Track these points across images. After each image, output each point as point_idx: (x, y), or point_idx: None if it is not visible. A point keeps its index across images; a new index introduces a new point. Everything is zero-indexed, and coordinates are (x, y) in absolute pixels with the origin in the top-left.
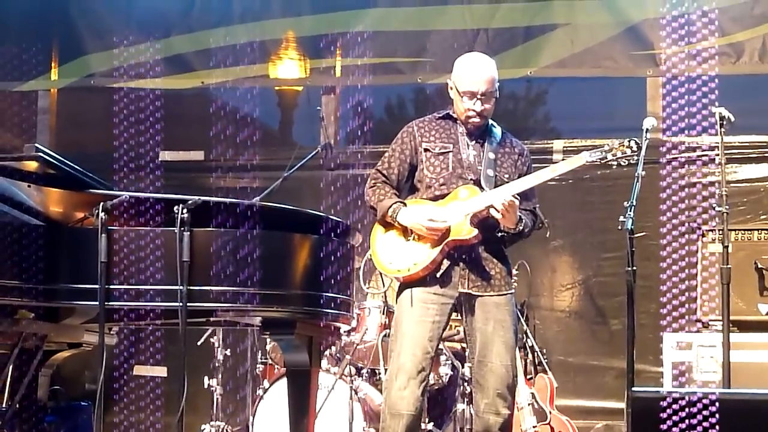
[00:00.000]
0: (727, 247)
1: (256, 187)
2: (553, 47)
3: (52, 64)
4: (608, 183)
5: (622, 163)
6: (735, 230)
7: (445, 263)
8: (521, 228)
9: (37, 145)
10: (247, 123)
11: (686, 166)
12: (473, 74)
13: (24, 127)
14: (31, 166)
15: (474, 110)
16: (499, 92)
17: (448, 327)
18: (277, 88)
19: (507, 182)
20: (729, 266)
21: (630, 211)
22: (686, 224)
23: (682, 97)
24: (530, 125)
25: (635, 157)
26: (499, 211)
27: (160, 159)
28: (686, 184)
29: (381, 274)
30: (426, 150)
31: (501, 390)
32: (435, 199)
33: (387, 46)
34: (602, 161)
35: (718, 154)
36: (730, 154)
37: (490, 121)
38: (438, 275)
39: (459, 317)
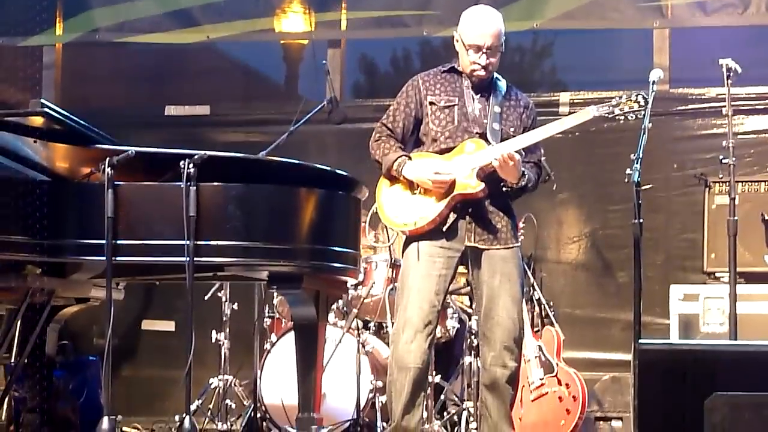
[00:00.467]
0: (734, 198)
1: (262, 141)
2: None
3: (57, 19)
4: (615, 135)
5: (630, 118)
6: (742, 182)
7: (452, 217)
8: (524, 182)
9: (42, 100)
10: (252, 77)
11: (693, 118)
12: (479, 27)
13: (29, 82)
14: (37, 121)
15: (479, 64)
16: (505, 45)
17: (455, 280)
18: (282, 42)
19: (513, 136)
20: (736, 218)
21: (636, 163)
22: (693, 176)
23: (689, 49)
24: (536, 78)
25: (642, 112)
26: (498, 163)
27: (165, 114)
28: (693, 136)
29: (387, 227)
30: (431, 103)
31: (508, 343)
32: (441, 152)
33: None
34: (610, 115)
35: (724, 106)
36: (737, 105)
37: (496, 75)
38: (444, 229)
39: (465, 270)
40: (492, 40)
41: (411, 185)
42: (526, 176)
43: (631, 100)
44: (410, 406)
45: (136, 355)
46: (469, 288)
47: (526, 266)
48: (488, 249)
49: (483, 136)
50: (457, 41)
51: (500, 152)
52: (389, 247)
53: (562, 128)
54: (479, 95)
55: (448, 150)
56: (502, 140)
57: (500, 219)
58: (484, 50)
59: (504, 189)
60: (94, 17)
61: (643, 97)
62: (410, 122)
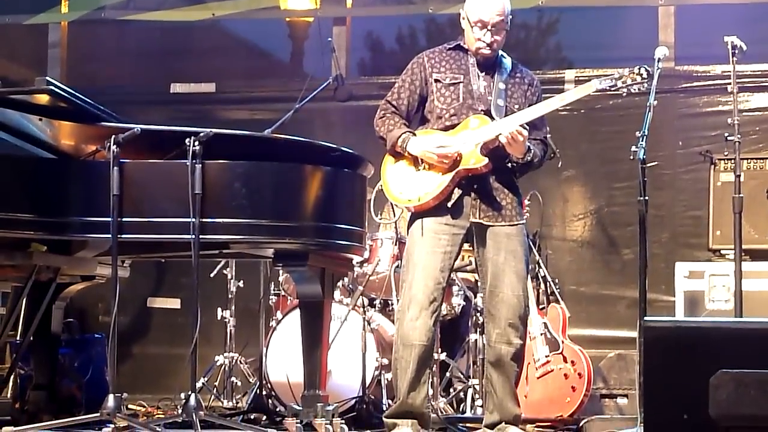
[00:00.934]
0: (739, 176)
1: (268, 119)
2: None
3: None
4: (620, 112)
5: (633, 90)
6: (747, 159)
7: (456, 193)
8: (530, 158)
9: (48, 78)
10: (257, 54)
11: (698, 95)
12: (485, 5)
13: (35, 60)
14: (43, 99)
15: (484, 41)
16: (511, 22)
17: (460, 257)
18: (287, 19)
19: (517, 112)
20: (741, 195)
21: (642, 140)
22: (698, 153)
23: (694, 26)
24: (542, 55)
25: (645, 85)
26: (506, 140)
27: (171, 91)
28: (698, 113)
29: (392, 204)
30: (436, 81)
31: (513, 320)
32: (445, 129)
33: None
34: (612, 89)
35: (730, 83)
36: (742, 82)
37: (501, 52)
38: (449, 205)
39: (470, 248)
40: (497, 18)
41: (416, 161)
42: (532, 152)
43: (633, 73)
44: (416, 383)
45: (141, 332)
46: (474, 266)
47: (531, 243)
48: (493, 225)
49: (488, 112)
50: (463, 18)
51: (505, 127)
52: (394, 223)
53: (565, 102)
54: (484, 73)
55: (453, 127)
56: (506, 116)
57: (505, 196)
58: (489, 28)
59: (509, 165)
60: None
61: (646, 70)
62: (415, 99)
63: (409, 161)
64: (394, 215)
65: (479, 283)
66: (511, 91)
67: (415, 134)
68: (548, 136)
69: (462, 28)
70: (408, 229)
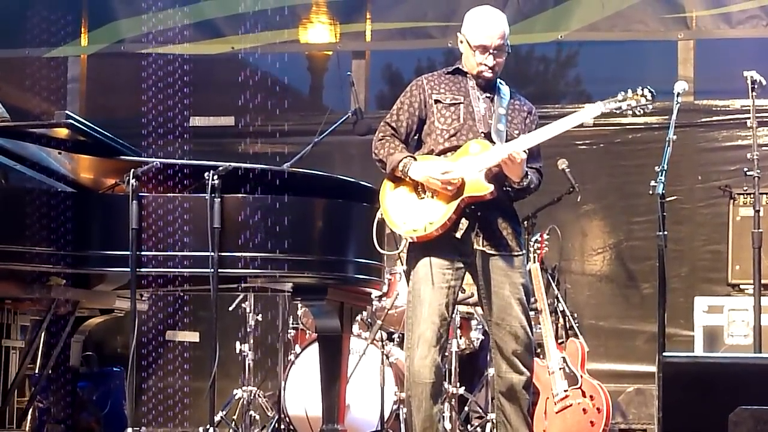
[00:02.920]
0: (759, 210)
1: (287, 152)
2: (583, 10)
3: (82, 30)
4: (639, 147)
5: (637, 113)
6: (767, 194)
7: (464, 223)
8: (526, 183)
9: (67, 112)
10: (276, 88)
11: (717, 129)
12: (486, 29)
13: (54, 93)
14: (62, 133)
15: (486, 64)
16: (530, 56)
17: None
18: (307, 53)
19: (517, 138)
20: (760, 230)
21: (661, 175)
22: (717, 188)
23: (714, 61)
24: (561, 88)
25: (649, 106)
26: (503, 161)
27: (190, 125)
28: (717, 147)
29: (394, 233)
30: (437, 101)
31: (521, 350)
32: (444, 151)
33: (417, 10)
34: (618, 111)
35: (749, 118)
36: (762, 117)
37: (498, 79)
38: (458, 236)
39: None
40: (498, 42)
41: (417, 188)
42: (529, 177)
43: (637, 95)
44: (429, 420)
45: (160, 366)
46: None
47: (550, 278)
48: (495, 255)
49: (488, 136)
50: (462, 42)
51: (507, 152)
52: (398, 254)
53: (570, 126)
54: (485, 95)
55: (452, 149)
56: (506, 141)
57: (506, 226)
58: (491, 51)
59: (505, 189)
60: (119, 28)
61: (650, 91)
62: (414, 122)
63: (410, 188)
64: (397, 246)
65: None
66: (511, 117)
67: (416, 159)
68: (541, 166)
69: (461, 52)
70: (407, 259)
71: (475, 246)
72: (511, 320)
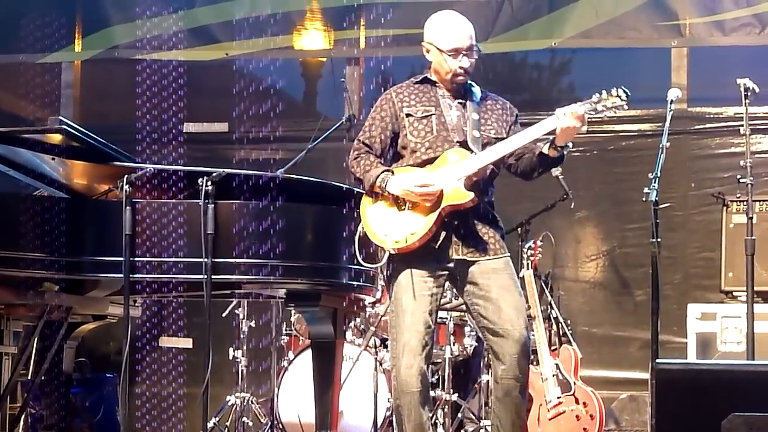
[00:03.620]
0: (752, 218)
1: (280, 158)
2: (577, 18)
3: (76, 36)
4: (633, 154)
5: (611, 115)
6: (759, 201)
7: (443, 234)
8: (566, 151)
9: (61, 117)
10: (270, 94)
11: (711, 137)
12: (455, 31)
13: (48, 99)
14: (56, 138)
15: (462, 67)
16: (524, 62)
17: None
18: (301, 59)
19: (495, 139)
20: (753, 237)
21: (654, 182)
22: (710, 195)
23: (707, 68)
24: (554, 95)
25: (625, 106)
26: (571, 121)
27: (183, 131)
28: (710, 155)
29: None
30: (408, 115)
31: (516, 354)
32: (422, 164)
33: (411, 17)
34: (593, 113)
35: (742, 125)
36: (755, 125)
37: (469, 81)
38: (436, 246)
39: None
40: (469, 41)
41: (397, 201)
42: (569, 146)
43: (611, 95)
44: (421, 428)
45: (153, 372)
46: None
47: (543, 285)
48: (477, 260)
49: (464, 144)
50: (429, 51)
51: (486, 160)
52: (380, 268)
53: (547, 129)
54: (456, 102)
55: (430, 161)
56: (483, 147)
57: (487, 231)
58: (464, 52)
59: (484, 189)
60: (113, 34)
61: (624, 91)
62: (387, 136)
63: (389, 202)
64: (378, 259)
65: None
66: (484, 119)
67: (393, 172)
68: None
69: (429, 60)
70: (387, 271)
71: (455, 255)
72: (503, 323)
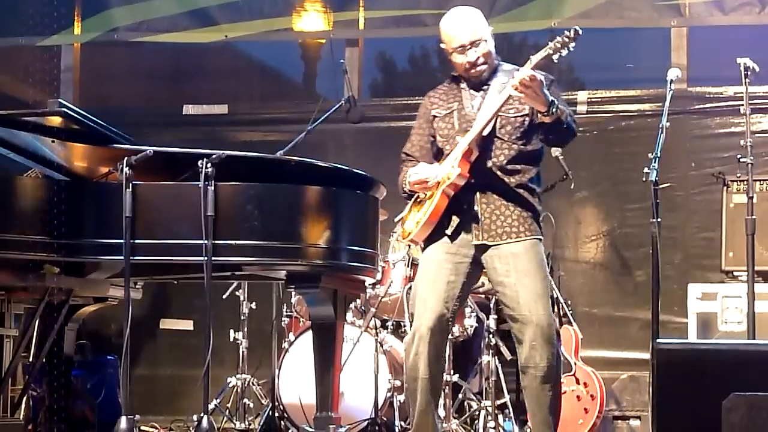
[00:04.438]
0: (752, 197)
1: (280, 140)
2: None
3: (76, 19)
4: (632, 134)
5: (563, 53)
6: (760, 180)
7: (455, 219)
8: (555, 110)
9: (60, 100)
10: (270, 76)
11: (711, 116)
12: (455, 28)
13: (48, 81)
14: (55, 121)
15: (470, 62)
16: (523, 43)
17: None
18: (300, 41)
19: (513, 118)
20: (754, 217)
21: (654, 162)
22: (711, 175)
23: (707, 48)
24: (554, 76)
25: (573, 44)
26: (518, 89)
27: (183, 113)
28: (711, 134)
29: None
30: (434, 117)
31: (535, 341)
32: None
33: None
34: (550, 52)
35: (742, 105)
36: (755, 104)
37: (502, 65)
38: (448, 232)
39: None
40: (470, 35)
41: (419, 197)
42: (556, 104)
43: (562, 35)
44: (424, 415)
45: (154, 354)
46: (486, 286)
47: None
48: (497, 245)
49: None
50: (445, 50)
51: (478, 128)
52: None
53: (504, 99)
54: (480, 92)
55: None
56: (502, 127)
57: (511, 213)
58: (468, 47)
59: (514, 169)
60: (113, 17)
61: (575, 30)
62: (426, 141)
63: (420, 200)
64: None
65: (498, 306)
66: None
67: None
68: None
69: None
70: None
71: (474, 241)
72: (522, 309)
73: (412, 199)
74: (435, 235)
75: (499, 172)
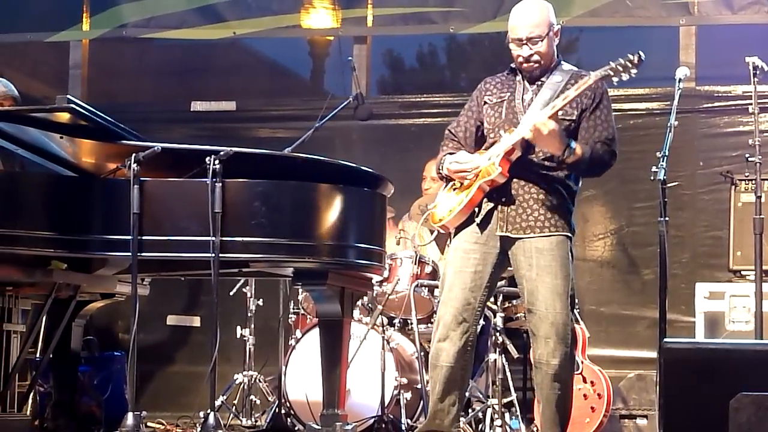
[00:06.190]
0: (760, 197)
1: (288, 137)
2: None
3: (84, 15)
4: (641, 133)
5: (624, 77)
6: None
7: (485, 207)
8: (569, 156)
9: (69, 96)
10: (278, 73)
11: (719, 115)
12: (513, 21)
13: (56, 77)
14: (64, 117)
15: (523, 56)
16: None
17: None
18: (308, 38)
19: (560, 120)
20: (762, 216)
21: (662, 161)
22: (719, 174)
23: (715, 46)
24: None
25: (636, 70)
26: (531, 134)
27: (191, 110)
28: (719, 133)
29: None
30: (485, 103)
31: (550, 338)
32: (490, 147)
33: None
34: (612, 74)
35: (751, 104)
36: (764, 103)
37: (563, 63)
38: (477, 221)
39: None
40: (528, 31)
41: (449, 182)
42: (572, 148)
43: (625, 58)
44: (442, 406)
45: (161, 350)
46: (501, 283)
47: None
48: (522, 238)
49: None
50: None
51: (527, 127)
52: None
53: (567, 100)
54: (534, 86)
55: (494, 144)
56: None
57: (539, 206)
58: (524, 42)
59: (553, 165)
60: (121, 13)
61: (638, 55)
62: (472, 124)
63: (453, 184)
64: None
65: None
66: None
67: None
68: (611, 139)
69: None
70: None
71: (499, 232)
72: (539, 305)
73: (448, 184)
74: (464, 223)
75: (535, 167)
